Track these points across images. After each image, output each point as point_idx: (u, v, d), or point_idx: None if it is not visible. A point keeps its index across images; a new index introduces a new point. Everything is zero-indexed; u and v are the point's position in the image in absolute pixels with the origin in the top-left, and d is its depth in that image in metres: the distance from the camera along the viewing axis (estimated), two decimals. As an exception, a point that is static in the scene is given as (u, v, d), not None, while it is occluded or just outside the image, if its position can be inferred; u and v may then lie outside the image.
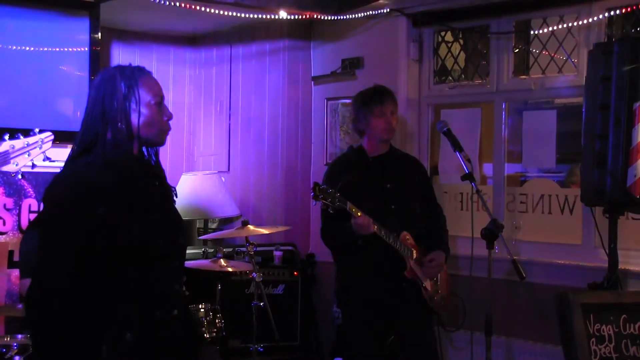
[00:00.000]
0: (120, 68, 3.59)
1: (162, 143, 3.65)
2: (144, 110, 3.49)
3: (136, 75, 3.56)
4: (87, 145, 3.53)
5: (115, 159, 3.50)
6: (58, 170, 5.51)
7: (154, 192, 3.62)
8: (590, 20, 5.97)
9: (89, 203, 3.42)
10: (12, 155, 4.15)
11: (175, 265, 3.72)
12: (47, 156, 4.30)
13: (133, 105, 3.48)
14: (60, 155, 5.63)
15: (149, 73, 3.62)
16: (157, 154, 3.71)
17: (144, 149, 3.65)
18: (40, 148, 4.24)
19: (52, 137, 4.30)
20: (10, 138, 4.16)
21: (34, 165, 4.30)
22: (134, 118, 3.47)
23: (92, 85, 3.64)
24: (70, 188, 3.51)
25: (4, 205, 6.27)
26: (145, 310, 3.51)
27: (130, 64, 3.62)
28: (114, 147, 3.48)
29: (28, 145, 4.19)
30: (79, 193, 3.45)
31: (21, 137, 4.19)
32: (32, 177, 6.34)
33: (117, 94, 3.46)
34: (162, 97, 3.59)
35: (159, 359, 3.61)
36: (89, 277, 3.36)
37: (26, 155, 4.20)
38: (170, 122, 3.63)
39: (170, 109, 3.61)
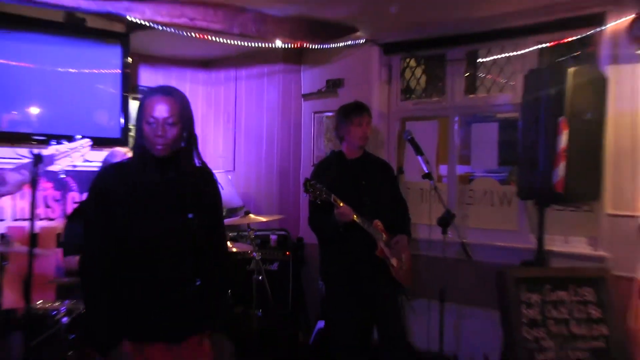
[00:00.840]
0: (145, 90, 3.67)
1: (156, 154, 3.50)
2: (144, 126, 3.48)
3: (145, 97, 3.56)
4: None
5: (134, 161, 3.64)
6: (96, 168, 5.61)
7: (156, 189, 3.58)
8: (525, 51, 6.04)
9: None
10: (56, 158, 4.21)
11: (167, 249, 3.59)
12: (86, 158, 4.39)
13: (140, 122, 3.52)
14: (97, 156, 5.76)
15: (156, 95, 3.53)
16: (186, 155, 3.61)
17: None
18: (80, 152, 4.31)
19: (91, 142, 4.39)
20: (57, 143, 4.24)
21: (74, 165, 4.41)
22: (141, 131, 3.51)
23: None
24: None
25: (53, 197, 6.29)
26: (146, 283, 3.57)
27: (152, 87, 3.67)
28: (138, 152, 3.61)
29: (70, 149, 4.26)
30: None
31: (65, 142, 4.27)
32: (75, 174, 6.32)
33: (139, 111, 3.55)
34: (155, 118, 3.46)
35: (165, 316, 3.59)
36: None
37: (69, 158, 4.27)
38: (159, 138, 3.45)
39: (150, 128, 3.57)
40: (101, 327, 3.58)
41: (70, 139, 4.35)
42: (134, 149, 3.65)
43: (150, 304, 3.57)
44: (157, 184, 3.59)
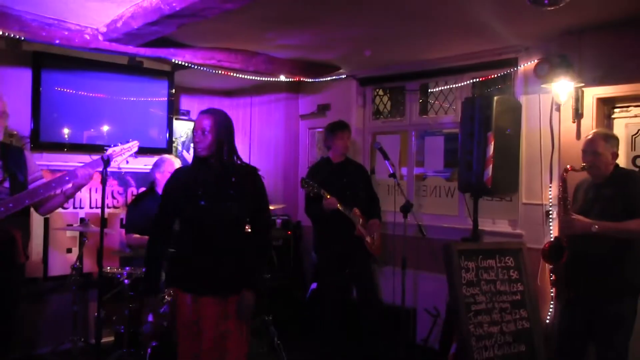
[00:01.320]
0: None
1: (200, 155, 3.67)
2: (193, 136, 3.67)
3: (198, 115, 3.73)
4: None
5: (192, 162, 3.81)
6: (148, 170, 5.67)
7: (207, 183, 3.67)
8: (462, 84, 6.11)
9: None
10: (114, 156, 4.22)
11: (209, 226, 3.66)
12: (136, 154, 4.40)
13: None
14: (150, 161, 5.84)
15: (200, 114, 3.72)
16: (227, 160, 3.69)
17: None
18: (131, 151, 4.31)
19: (138, 143, 4.39)
20: (114, 146, 4.28)
21: (127, 162, 4.38)
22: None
23: None
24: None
25: (117, 191, 6.35)
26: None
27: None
28: (193, 156, 3.76)
29: (123, 149, 4.27)
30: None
31: (119, 144, 4.28)
32: (133, 174, 6.43)
33: None
34: (196, 129, 3.65)
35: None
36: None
37: (122, 157, 4.28)
38: (200, 142, 3.63)
39: (195, 135, 3.69)
40: (148, 277, 3.79)
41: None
42: (193, 155, 3.78)
43: (203, 266, 3.64)
44: (204, 177, 3.68)
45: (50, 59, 5.85)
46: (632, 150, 4.98)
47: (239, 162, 3.80)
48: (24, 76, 5.76)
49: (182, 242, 3.73)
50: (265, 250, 3.88)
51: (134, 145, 4.39)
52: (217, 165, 3.69)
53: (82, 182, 4.17)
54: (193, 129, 3.72)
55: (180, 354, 3.71)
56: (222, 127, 3.70)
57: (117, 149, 4.28)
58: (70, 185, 4.14)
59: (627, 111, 5.02)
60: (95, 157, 4.28)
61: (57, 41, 4.99)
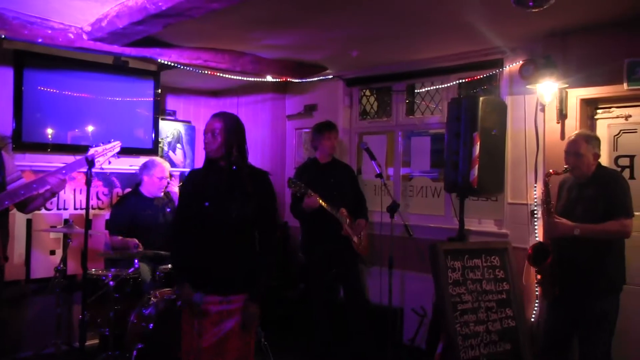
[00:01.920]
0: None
1: (209, 157, 3.75)
2: (204, 139, 3.74)
3: (210, 118, 3.80)
4: None
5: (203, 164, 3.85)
6: (134, 171, 5.67)
7: (215, 184, 3.73)
8: (448, 84, 6.13)
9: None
10: (96, 156, 4.25)
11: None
12: (110, 160, 4.41)
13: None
14: (136, 162, 5.82)
15: (213, 116, 3.79)
16: (236, 163, 3.73)
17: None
18: (113, 151, 4.34)
19: (120, 143, 4.42)
20: (96, 146, 4.30)
21: (109, 162, 4.43)
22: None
23: None
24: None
25: (102, 192, 6.30)
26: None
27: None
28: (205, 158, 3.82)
29: (105, 149, 4.30)
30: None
31: (101, 144, 4.31)
32: (118, 175, 6.38)
33: None
34: (206, 132, 3.72)
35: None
36: None
37: (105, 157, 4.31)
38: (209, 144, 3.69)
39: (205, 137, 3.78)
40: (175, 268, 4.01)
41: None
42: (205, 156, 3.83)
43: (206, 265, 3.70)
44: (212, 178, 3.75)
45: (33, 58, 5.82)
46: (614, 150, 5.02)
47: (248, 165, 3.85)
48: (6, 75, 5.71)
49: (189, 242, 3.78)
50: (270, 254, 3.86)
51: (116, 146, 4.41)
52: (226, 167, 3.74)
53: (54, 189, 4.18)
54: (204, 131, 3.77)
55: (183, 351, 3.75)
56: (232, 130, 3.75)
57: (99, 149, 4.30)
58: (46, 189, 4.14)
59: (609, 112, 5.08)
60: (79, 157, 4.29)
61: (40, 40, 4.96)
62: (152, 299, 4.93)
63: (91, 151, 4.25)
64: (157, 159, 5.86)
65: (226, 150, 3.71)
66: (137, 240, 5.37)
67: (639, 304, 4.80)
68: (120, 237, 5.47)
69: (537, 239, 5.12)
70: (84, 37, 5.13)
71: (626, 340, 4.74)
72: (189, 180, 3.91)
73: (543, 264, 4.52)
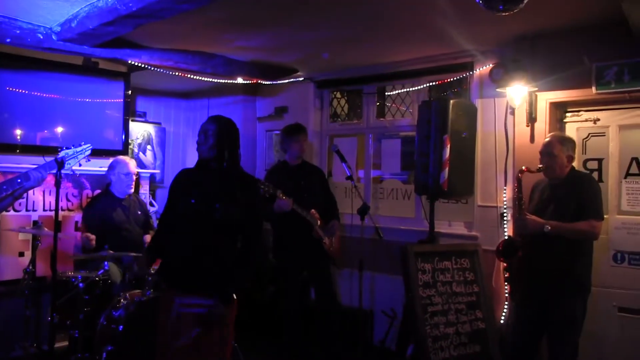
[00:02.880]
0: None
1: (201, 156, 3.77)
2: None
3: (205, 120, 3.83)
4: None
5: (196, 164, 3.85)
6: (104, 172, 5.63)
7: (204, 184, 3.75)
8: (419, 87, 6.15)
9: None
10: (67, 159, 4.18)
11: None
12: (90, 158, 4.38)
13: None
14: (105, 163, 5.77)
15: (209, 118, 3.82)
16: (228, 164, 3.75)
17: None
18: (84, 154, 4.29)
19: (91, 146, 4.37)
20: (67, 149, 4.24)
21: (80, 165, 4.37)
22: None
23: None
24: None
25: (72, 194, 6.21)
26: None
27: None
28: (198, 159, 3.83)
29: (76, 152, 4.24)
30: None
31: (72, 147, 4.25)
32: (87, 176, 6.29)
33: None
34: (200, 133, 3.76)
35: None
36: None
37: (75, 159, 4.24)
38: (201, 144, 3.75)
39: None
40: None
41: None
42: (198, 158, 3.85)
43: (186, 264, 3.68)
44: (201, 178, 3.78)
45: (1, 58, 5.73)
46: (583, 153, 5.08)
47: (240, 169, 3.88)
48: (-26, 75, 5.63)
49: (171, 239, 3.77)
50: (249, 261, 3.82)
51: (86, 149, 4.35)
52: (216, 169, 3.75)
53: (34, 185, 4.12)
54: (198, 132, 3.81)
55: (158, 352, 3.69)
56: (225, 133, 3.77)
57: (69, 151, 4.25)
58: (20, 187, 4.07)
59: (578, 115, 5.14)
60: (49, 158, 4.21)
61: (8, 40, 4.89)
62: (122, 300, 4.88)
63: (62, 153, 4.20)
64: (120, 157, 5.84)
65: (218, 152, 3.72)
66: (93, 236, 5.33)
67: (605, 305, 4.86)
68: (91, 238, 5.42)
69: (506, 237, 5.13)
70: (53, 37, 5.06)
71: (592, 341, 4.80)
72: (179, 179, 3.91)
73: (512, 258, 4.54)
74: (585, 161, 5.08)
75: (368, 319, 6.12)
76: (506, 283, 4.73)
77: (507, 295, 4.88)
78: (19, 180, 4.05)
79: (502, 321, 5.21)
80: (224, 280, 3.70)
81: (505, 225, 5.29)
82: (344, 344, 5.72)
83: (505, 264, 4.68)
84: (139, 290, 5.00)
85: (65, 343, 5.40)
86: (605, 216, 4.50)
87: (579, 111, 5.13)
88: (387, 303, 6.05)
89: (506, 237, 4.87)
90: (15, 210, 5.77)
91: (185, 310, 3.63)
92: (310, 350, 5.85)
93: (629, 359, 4.77)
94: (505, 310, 5.19)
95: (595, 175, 4.96)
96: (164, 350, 3.66)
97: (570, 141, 4.51)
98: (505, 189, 5.36)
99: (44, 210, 6.00)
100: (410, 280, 4.80)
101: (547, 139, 4.54)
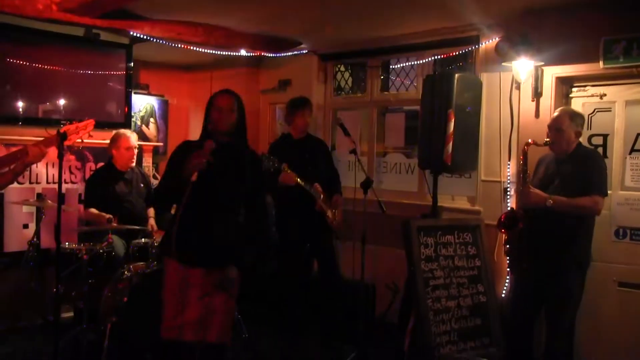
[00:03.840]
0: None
1: (218, 129, 3.71)
2: (213, 113, 3.72)
3: (214, 95, 3.80)
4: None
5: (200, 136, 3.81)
6: (98, 145, 5.58)
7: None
8: (423, 61, 6.14)
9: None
10: (69, 133, 4.15)
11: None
12: (91, 135, 4.37)
13: (209, 112, 3.75)
14: (107, 136, 5.77)
15: (226, 92, 3.81)
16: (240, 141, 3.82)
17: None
18: (86, 129, 4.29)
19: (93, 122, 4.36)
20: (69, 123, 4.26)
21: (82, 141, 4.37)
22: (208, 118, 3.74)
23: None
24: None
25: (75, 166, 6.24)
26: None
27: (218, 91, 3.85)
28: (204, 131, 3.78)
29: (77, 128, 4.25)
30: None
31: (74, 122, 4.28)
32: (91, 149, 6.32)
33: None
34: (217, 107, 3.72)
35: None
36: None
37: (75, 136, 4.25)
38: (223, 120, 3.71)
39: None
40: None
41: (80, 120, 4.37)
42: (203, 129, 3.83)
43: (194, 236, 3.68)
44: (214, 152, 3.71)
45: (0, 29, 5.70)
46: (588, 129, 5.04)
47: (248, 145, 3.92)
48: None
49: (178, 212, 3.73)
50: (256, 235, 3.89)
51: (89, 124, 4.35)
52: (227, 144, 3.76)
53: (33, 160, 4.10)
54: (216, 106, 3.75)
55: (166, 325, 3.69)
56: (242, 109, 3.83)
57: (72, 127, 4.25)
58: (19, 162, 4.06)
59: (584, 90, 5.10)
60: (51, 131, 4.20)
61: (6, 9, 4.84)
62: (125, 272, 4.93)
63: (64, 128, 4.18)
64: (122, 130, 5.82)
65: (237, 127, 3.77)
66: (111, 216, 5.31)
67: (605, 280, 4.89)
68: (94, 211, 5.42)
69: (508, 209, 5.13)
70: (54, 8, 5.01)
71: (591, 315, 4.85)
72: (182, 150, 3.86)
73: (513, 230, 4.55)
74: (590, 137, 5.05)
75: (370, 292, 6.11)
76: (506, 256, 4.76)
77: (508, 269, 4.90)
78: (18, 156, 4.04)
79: (503, 295, 5.23)
80: (235, 251, 3.74)
81: (508, 200, 5.29)
82: (346, 317, 5.74)
83: (505, 237, 4.70)
84: (142, 263, 5.05)
85: (71, 314, 5.50)
86: (608, 192, 4.50)
87: (585, 86, 5.10)
88: (389, 277, 6.07)
89: (509, 209, 4.87)
90: (19, 183, 5.78)
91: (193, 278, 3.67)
92: (312, 323, 5.89)
93: (627, 333, 4.81)
94: (506, 285, 5.21)
95: (599, 151, 4.94)
96: (171, 323, 3.67)
97: (580, 117, 4.49)
98: (509, 164, 5.35)
99: (48, 182, 6.02)
100: (413, 254, 4.80)
101: (556, 113, 4.51)
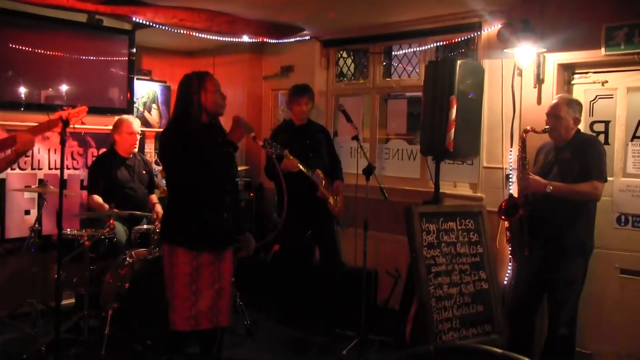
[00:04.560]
0: (195, 73, 3.89)
1: (221, 113, 3.96)
2: (209, 95, 3.79)
3: (204, 76, 3.87)
4: (178, 114, 3.84)
5: (193, 123, 3.80)
6: (100, 131, 5.71)
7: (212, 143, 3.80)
8: (426, 47, 6.11)
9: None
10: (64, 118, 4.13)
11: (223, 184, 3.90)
12: (83, 121, 4.36)
13: (202, 92, 3.79)
14: (109, 121, 5.78)
15: (211, 75, 3.92)
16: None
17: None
18: (79, 116, 4.28)
19: (86, 108, 4.35)
20: (63, 110, 4.21)
21: (74, 127, 4.39)
22: (202, 99, 3.78)
23: (180, 83, 3.91)
24: (172, 136, 3.84)
25: (77, 152, 6.24)
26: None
27: (200, 72, 3.93)
28: (193, 117, 3.79)
29: (70, 114, 4.18)
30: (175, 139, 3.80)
31: (66, 109, 4.23)
32: (93, 135, 6.33)
33: (192, 86, 3.79)
34: (220, 91, 3.90)
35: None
36: None
37: (73, 120, 4.23)
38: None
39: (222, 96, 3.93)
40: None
41: (74, 106, 4.36)
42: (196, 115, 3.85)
43: (207, 223, 3.81)
44: (218, 135, 3.89)
45: (3, 15, 5.68)
46: (590, 115, 5.06)
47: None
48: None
49: (189, 199, 3.83)
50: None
51: (82, 111, 4.34)
52: (218, 125, 4.01)
53: (22, 148, 4.06)
54: (218, 91, 3.92)
55: (182, 317, 3.76)
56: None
57: (64, 113, 4.21)
58: (9, 151, 4.06)
59: (586, 77, 5.10)
60: (54, 116, 4.19)
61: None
62: (127, 259, 4.96)
63: (56, 114, 4.18)
64: (124, 116, 5.85)
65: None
66: (109, 207, 5.32)
67: (606, 266, 4.90)
68: (98, 200, 5.45)
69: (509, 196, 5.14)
70: (57, -7, 5.01)
71: (593, 302, 4.88)
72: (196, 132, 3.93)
73: (514, 217, 4.59)
74: (592, 123, 5.05)
75: (372, 278, 6.13)
76: (507, 242, 4.78)
77: (510, 256, 4.91)
78: (9, 143, 4.04)
79: (505, 282, 5.24)
80: (237, 229, 4.02)
81: (510, 187, 5.29)
82: (347, 303, 5.76)
83: (507, 224, 4.71)
84: (144, 249, 5.07)
85: (72, 300, 5.51)
86: (610, 179, 4.51)
87: (587, 73, 5.09)
88: (391, 263, 6.09)
89: (510, 196, 4.88)
90: (20, 169, 5.79)
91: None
92: (314, 310, 5.91)
93: (628, 319, 4.83)
94: (508, 271, 5.22)
95: (601, 137, 4.93)
96: (187, 314, 3.74)
97: (577, 103, 4.51)
98: (511, 151, 5.35)
99: (50, 168, 6.02)
100: (415, 240, 4.80)
101: (554, 101, 4.55)
